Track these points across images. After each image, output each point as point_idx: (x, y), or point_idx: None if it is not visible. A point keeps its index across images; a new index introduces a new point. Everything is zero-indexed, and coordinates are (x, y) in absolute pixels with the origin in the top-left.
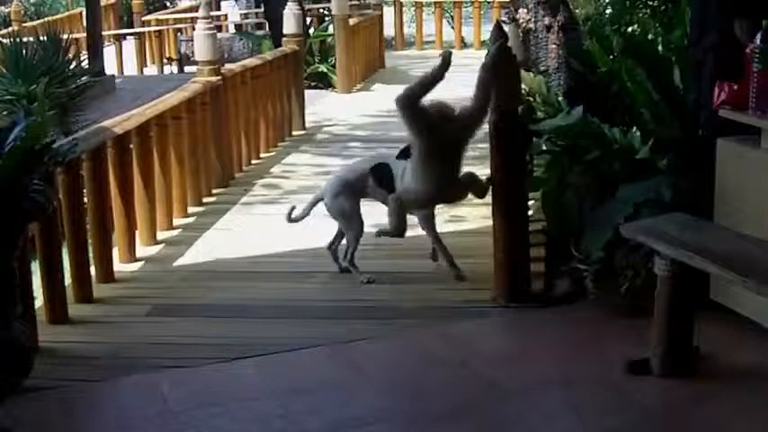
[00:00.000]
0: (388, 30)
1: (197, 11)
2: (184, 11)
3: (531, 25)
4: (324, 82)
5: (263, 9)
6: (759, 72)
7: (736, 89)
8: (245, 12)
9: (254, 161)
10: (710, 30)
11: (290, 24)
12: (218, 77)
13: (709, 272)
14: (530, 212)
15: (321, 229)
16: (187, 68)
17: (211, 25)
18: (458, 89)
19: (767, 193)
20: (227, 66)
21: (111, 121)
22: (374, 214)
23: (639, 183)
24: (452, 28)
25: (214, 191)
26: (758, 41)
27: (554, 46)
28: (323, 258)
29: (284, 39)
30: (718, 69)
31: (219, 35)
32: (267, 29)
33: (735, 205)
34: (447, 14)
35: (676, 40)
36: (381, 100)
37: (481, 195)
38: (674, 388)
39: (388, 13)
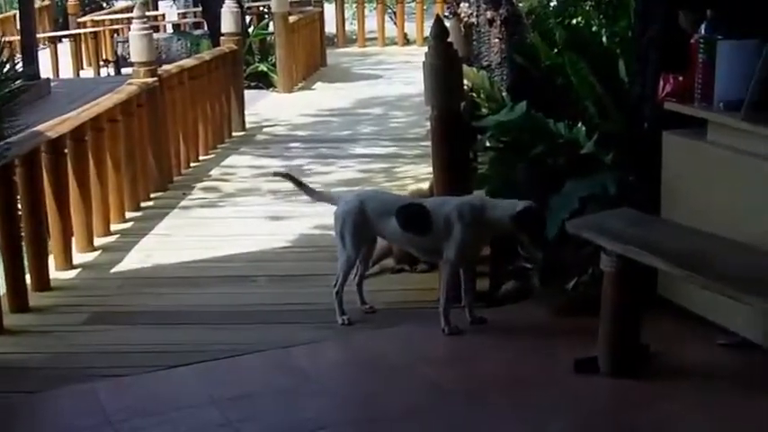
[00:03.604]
0: (330, 27)
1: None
2: (121, 11)
3: (473, 20)
4: (264, 81)
5: (201, 8)
6: (704, 63)
7: (681, 81)
8: (184, 11)
9: (192, 164)
10: (655, 21)
11: (227, 23)
12: (155, 79)
13: (657, 267)
14: None
15: (261, 233)
16: (124, 70)
17: (147, 26)
18: (400, 87)
19: (713, 185)
20: (164, 66)
21: (44, 125)
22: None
23: (585, 178)
24: (395, 24)
25: (152, 195)
26: (703, 32)
27: (497, 40)
28: (262, 262)
29: (222, 38)
30: (662, 61)
31: (157, 36)
32: (205, 28)
33: (681, 199)
34: (389, 10)
35: (621, 31)
36: (323, 99)
37: None
38: (622, 387)
39: (330, 9)
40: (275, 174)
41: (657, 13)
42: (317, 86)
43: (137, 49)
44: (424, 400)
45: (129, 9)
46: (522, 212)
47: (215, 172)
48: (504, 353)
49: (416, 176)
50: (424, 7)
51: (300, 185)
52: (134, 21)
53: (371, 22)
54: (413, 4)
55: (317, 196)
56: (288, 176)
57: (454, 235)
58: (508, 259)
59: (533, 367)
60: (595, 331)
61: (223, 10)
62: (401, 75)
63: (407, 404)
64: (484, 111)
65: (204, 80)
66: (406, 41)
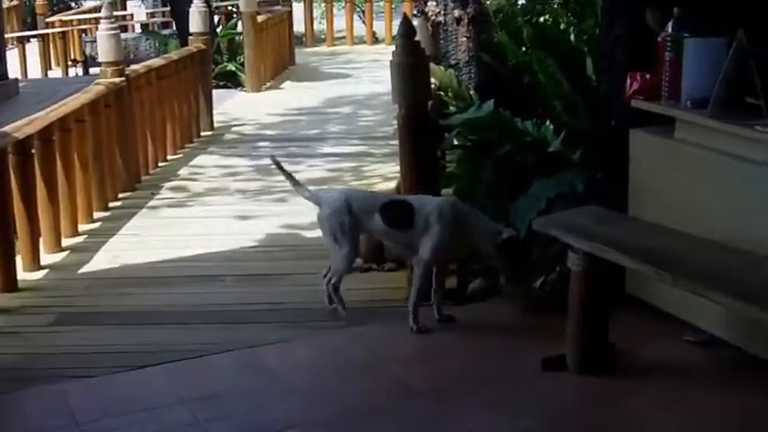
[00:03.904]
0: (299, 26)
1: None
2: (89, 11)
3: (441, 18)
4: (233, 81)
5: (169, 8)
6: (671, 61)
7: (649, 79)
8: (152, 11)
9: (161, 164)
10: (622, 19)
11: (195, 23)
12: (122, 79)
13: (625, 265)
14: None
15: (229, 232)
16: (93, 70)
17: (114, 25)
18: (369, 86)
19: (680, 183)
20: (132, 66)
21: (12, 126)
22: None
23: (553, 176)
24: (364, 23)
25: (120, 195)
26: (669, 30)
27: (464, 39)
28: (230, 262)
29: (190, 37)
30: (629, 59)
31: (125, 35)
32: (174, 28)
33: (649, 196)
34: (358, 9)
35: (588, 29)
36: (291, 98)
37: None
38: (590, 385)
39: (298, 9)
40: (271, 158)
41: (624, 11)
42: (286, 86)
43: (104, 49)
44: (392, 398)
45: (97, 9)
46: (507, 242)
47: (183, 172)
48: (471, 351)
49: (384, 175)
50: (393, 6)
51: (287, 175)
52: (102, 21)
53: (340, 22)
54: (381, 3)
55: (300, 190)
56: (277, 164)
57: (431, 233)
58: (475, 257)
59: (501, 365)
60: (563, 329)
61: (191, 9)
62: (370, 73)
63: (376, 403)
64: (452, 109)
65: (172, 80)
66: (375, 40)
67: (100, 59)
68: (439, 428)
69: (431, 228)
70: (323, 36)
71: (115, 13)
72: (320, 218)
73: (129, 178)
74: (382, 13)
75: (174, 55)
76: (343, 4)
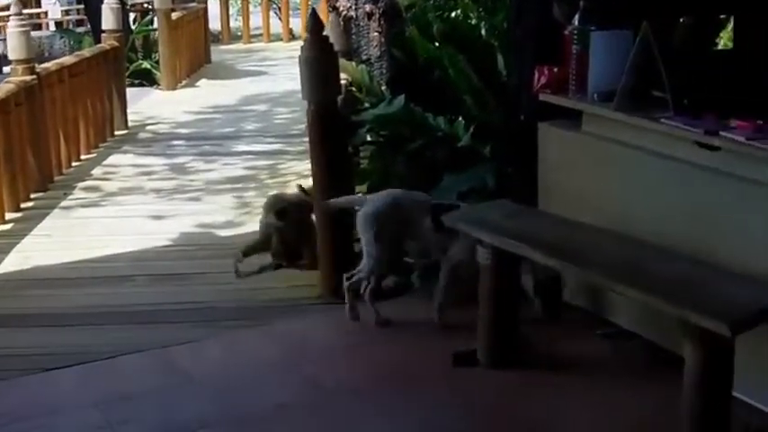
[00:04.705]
0: (215, 23)
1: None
2: (1, 9)
3: (352, 13)
4: (148, 79)
5: (83, 5)
6: (578, 54)
7: (556, 72)
8: (67, 8)
9: (74, 163)
10: (529, 13)
11: (108, 20)
12: (33, 77)
13: (534, 259)
14: None
15: (142, 232)
16: (6, 68)
17: (24, 22)
18: (285, 83)
19: (588, 176)
20: (43, 64)
21: None
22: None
23: (464, 171)
24: (280, 20)
25: (32, 195)
26: (576, 23)
27: (376, 34)
28: (144, 262)
29: (104, 35)
30: (537, 53)
31: (39, 33)
32: (88, 26)
33: (558, 190)
34: (274, 6)
35: (499, 24)
36: (207, 96)
37: None
38: (502, 379)
39: (214, 6)
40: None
41: (532, 5)
42: (201, 84)
43: (14, 47)
44: (304, 397)
45: (7, 7)
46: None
47: (97, 171)
48: (384, 349)
49: (300, 173)
50: (309, 2)
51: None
52: (11, 18)
53: (257, 19)
54: (298, 0)
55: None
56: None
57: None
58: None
59: (414, 362)
60: (475, 324)
61: (103, 6)
62: (286, 70)
63: (288, 402)
64: (366, 105)
65: (84, 78)
66: (292, 37)
67: (10, 57)
68: (352, 427)
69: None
70: (239, 33)
71: (29, 11)
72: (359, 216)
73: (42, 178)
74: (299, 9)
75: (86, 52)
76: (259, 1)
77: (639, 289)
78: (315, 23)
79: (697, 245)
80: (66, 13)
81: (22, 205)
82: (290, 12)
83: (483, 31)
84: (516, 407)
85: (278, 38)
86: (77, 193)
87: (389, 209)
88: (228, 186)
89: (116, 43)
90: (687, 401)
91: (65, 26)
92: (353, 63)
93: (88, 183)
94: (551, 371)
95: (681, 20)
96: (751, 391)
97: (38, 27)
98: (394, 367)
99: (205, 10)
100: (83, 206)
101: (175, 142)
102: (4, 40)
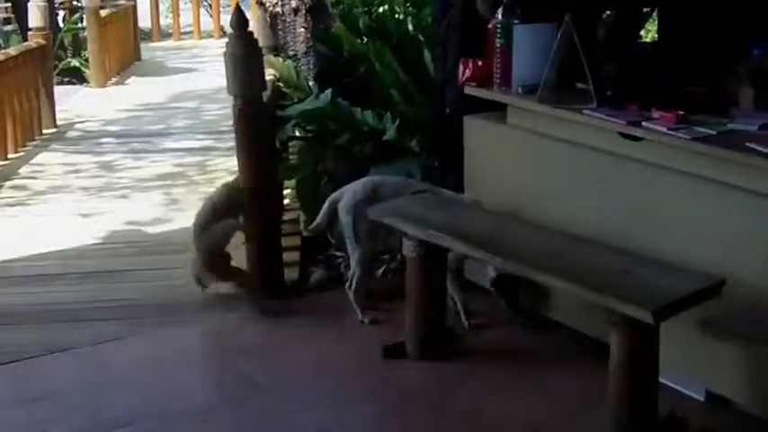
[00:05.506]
0: (144, 21)
1: None
2: None
3: (279, 9)
4: (77, 77)
5: (10, 4)
6: (502, 48)
7: (481, 65)
8: None
9: (1, 162)
10: (454, 7)
11: (35, 18)
12: None
13: (458, 251)
14: (286, 201)
15: (70, 230)
16: None
17: None
18: (215, 80)
19: (513, 167)
20: None
21: None
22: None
23: (390, 165)
24: (211, 17)
25: None
26: (500, 17)
27: (302, 30)
28: (71, 260)
29: (30, 33)
30: (462, 46)
31: None
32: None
33: (483, 182)
34: (205, 3)
35: (425, 18)
36: (136, 93)
37: None
38: (430, 370)
39: (144, 3)
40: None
41: (456, 0)
42: (131, 81)
43: None
44: (234, 391)
45: None
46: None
47: (24, 170)
48: (314, 342)
49: (229, 169)
50: None
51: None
52: None
53: (187, 16)
54: None
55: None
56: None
57: None
58: (317, 248)
59: (343, 355)
60: (403, 317)
61: (30, 4)
62: (216, 67)
63: (218, 396)
64: (295, 100)
65: (11, 76)
66: (223, 34)
67: None
68: (283, 420)
69: None
70: (170, 31)
71: None
72: (339, 209)
73: None
74: (229, 6)
75: (12, 50)
76: None
77: (564, 279)
78: (239, 19)
79: (622, 235)
80: None
81: None
82: (221, 8)
83: (410, 26)
84: (444, 397)
85: (209, 35)
86: (4, 192)
87: (367, 196)
88: (157, 183)
89: (43, 41)
90: (614, 388)
91: None
92: (280, 59)
93: (15, 182)
94: (479, 361)
95: (604, 14)
96: (677, 377)
97: None
98: (324, 360)
99: (134, 7)
100: (9, 205)
101: (104, 140)
102: None
